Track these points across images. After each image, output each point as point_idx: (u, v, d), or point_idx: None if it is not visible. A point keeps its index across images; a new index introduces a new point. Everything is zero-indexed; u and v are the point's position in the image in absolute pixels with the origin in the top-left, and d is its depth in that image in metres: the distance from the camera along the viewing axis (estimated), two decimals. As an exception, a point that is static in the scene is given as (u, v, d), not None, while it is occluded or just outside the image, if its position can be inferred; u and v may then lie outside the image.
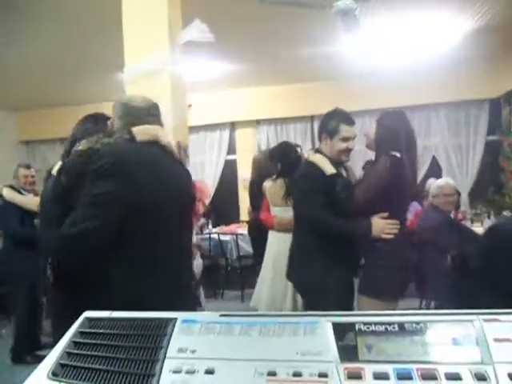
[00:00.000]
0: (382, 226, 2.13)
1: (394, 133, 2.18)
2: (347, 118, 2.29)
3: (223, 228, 6.07)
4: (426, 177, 6.07)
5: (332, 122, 2.28)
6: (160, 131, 1.60)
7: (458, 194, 3.81)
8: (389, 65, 5.52)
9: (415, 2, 3.83)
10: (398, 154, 2.14)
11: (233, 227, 6.09)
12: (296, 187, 2.46)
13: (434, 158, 6.47)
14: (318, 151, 2.36)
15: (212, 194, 6.88)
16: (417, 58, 5.33)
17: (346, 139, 2.26)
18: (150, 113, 1.62)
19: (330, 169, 2.21)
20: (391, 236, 2.12)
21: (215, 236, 5.58)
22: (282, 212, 3.35)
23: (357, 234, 2.21)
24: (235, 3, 3.70)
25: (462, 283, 3.00)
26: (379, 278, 2.13)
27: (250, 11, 3.85)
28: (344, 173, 2.39)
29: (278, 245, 3.33)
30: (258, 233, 4.51)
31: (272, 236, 3.52)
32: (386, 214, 2.14)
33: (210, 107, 6.42)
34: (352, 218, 2.20)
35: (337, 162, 2.31)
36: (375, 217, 2.15)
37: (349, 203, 2.14)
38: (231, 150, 7.18)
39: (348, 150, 2.29)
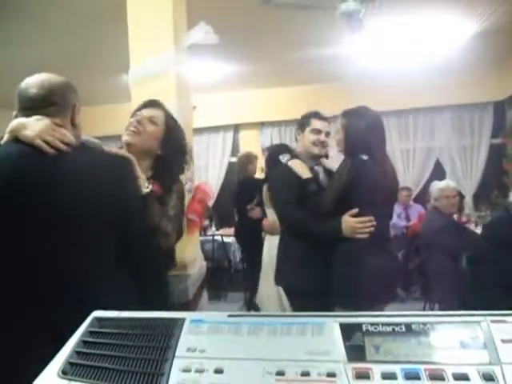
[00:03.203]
0: (352, 224, 2.06)
1: (360, 134, 2.16)
2: (319, 114, 2.42)
3: (226, 230, 6.08)
4: (430, 180, 6.08)
5: (304, 119, 2.43)
6: (24, 124, 1.25)
7: (462, 196, 3.82)
8: (393, 67, 5.52)
9: (420, 4, 3.83)
10: (364, 157, 2.12)
11: (236, 229, 6.09)
12: (271, 187, 2.56)
13: (437, 160, 6.47)
14: (294, 156, 2.43)
15: (215, 196, 6.89)
16: (421, 60, 5.33)
17: (316, 131, 2.35)
18: (47, 101, 1.31)
19: (305, 173, 2.25)
20: (366, 235, 2.04)
21: (218, 238, 5.59)
22: (272, 214, 3.40)
23: (327, 232, 2.16)
24: (240, 5, 3.72)
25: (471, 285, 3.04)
26: (347, 287, 2.02)
27: (255, 13, 3.87)
28: (321, 173, 2.40)
29: (268, 247, 3.39)
30: (246, 237, 4.53)
31: (265, 239, 3.56)
32: (355, 211, 2.06)
33: (213, 109, 6.43)
34: (324, 219, 2.17)
35: (314, 158, 2.38)
36: (345, 215, 2.09)
37: (319, 207, 2.16)
38: (235, 152, 7.19)
39: (320, 143, 2.35)
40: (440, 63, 5.43)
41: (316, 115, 2.41)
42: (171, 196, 1.59)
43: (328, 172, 2.44)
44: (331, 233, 2.13)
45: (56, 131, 1.26)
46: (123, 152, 1.50)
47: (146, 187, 1.50)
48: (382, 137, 2.25)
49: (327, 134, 2.39)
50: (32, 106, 1.30)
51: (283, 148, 3.58)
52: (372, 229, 2.06)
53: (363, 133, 2.15)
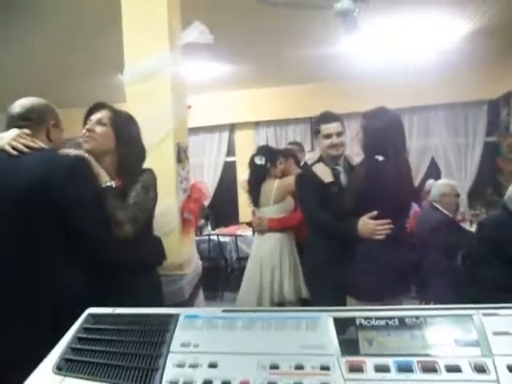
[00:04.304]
0: (371, 226, 2.14)
1: (377, 135, 2.20)
2: (326, 117, 2.48)
3: (222, 229, 6.08)
4: (425, 178, 6.10)
5: (315, 126, 2.55)
6: (1, 136, 1.51)
7: (458, 195, 3.82)
8: (388, 66, 5.54)
9: (414, 3, 3.85)
10: (380, 158, 2.16)
11: (232, 229, 6.10)
12: (298, 190, 2.65)
13: (432, 159, 6.50)
14: (320, 159, 2.54)
15: (211, 196, 6.89)
16: (416, 59, 5.35)
17: (328, 136, 2.43)
18: (24, 117, 1.57)
19: (327, 177, 2.34)
20: (382, 236, 2.12)
21: (214, 238, 5.59)
22: (260, 212, 3.38)
23: (344, 232, 2.25)
24: (234, 4, 3.72)
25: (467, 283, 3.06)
26: (362, 279, 2.11)
27: (250, 13, 3.87)
28: (342, 173, 2.47)
29: (255, 245, 3.37)
30: None
31: (254, 237, 3.53)
32: (375, 213, 2.13)
33: (209, 109, 6.43)
34: (345, 219, 2.24)
35: (334, 159, 2.46)
36: (364, 217, 2.16)
37: (340, 208, 2.22)
38: (230, 151, 7.19)
39: (333, 145, 2.42)
40: (434, 62, 5.45)
41: (323, 119, 2.47)
42: (134, 186, 1.67)
43: (352, 169, 2.50)
44: (348, 233, 2.21)
45: (23, 138, 1.49)
46: (79, 153, 1.61)
47: (105, 183, 1.61)
48: (400, 137, 2.28)
49: (339, 134, 2.44)
50: (11, 121, 1.57)
51: (262, 150, 3.54)
52: (389, 231, 2.12)
53: (379, 133, 2.19)
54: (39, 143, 1.54)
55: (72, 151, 1.60)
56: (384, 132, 2.20)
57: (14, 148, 1.45)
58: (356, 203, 2.18)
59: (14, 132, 1.50)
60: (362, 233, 2.16)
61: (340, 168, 2.49)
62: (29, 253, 1.40)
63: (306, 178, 2.52)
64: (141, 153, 1.83)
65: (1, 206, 1.40)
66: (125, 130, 1.76)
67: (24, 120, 1.56)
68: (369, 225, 2.15)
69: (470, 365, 0.64)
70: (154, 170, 1.82)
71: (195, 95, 5.51)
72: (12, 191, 1.39)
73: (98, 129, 1.72)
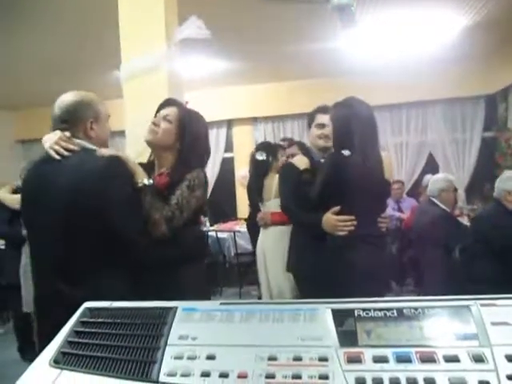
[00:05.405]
0: (333, 222, 2.08)
1: (343, 126, 2.13)
2: (323, 108, 2.45)
3: (221, 225, 6.08)
4: (423, 173, 6.11)
5: (310, 115, 2.52)
6: (47, 137, 1.58)
7: (455, 190, 3.83)
8: (385, 61, 5.53)
9: (411, -2, 3.84)
10: (346, 153, 2.09)
11: (230, 224, 6.10)
12: (278, 178, 2.72)
13: (430, 154, 6.50)
14: (303, 152, 2.57)
15: (209, 192, 6.88)
16: (413, 54, 5.34)
17: (320, 125, 2.42)
18: (61, 119, 1.60)
19: (302, 165, 2.35)
20: (344, 233, 2.06)
21: (213, 233, 5.59)
22: (265, 207, 3.40)
23: (310, 225, 2.24)
24: (232, 0, 3.70)
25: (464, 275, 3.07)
26: (327, 277, 2.04)
27: (247, 8, 3.85)
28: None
29: (261, 240, 3.40)
30: None
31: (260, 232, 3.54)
32: (337, 209, 2.09)
33: (206, 105, 6.36)
34: (314, 211, 2.21)
35: (322, 151, 2.43)
36: (328, 212, 2.11)
37: (309, 200, 2.20)
38: (228, 147, 7.18)
39: (324, 136, 2.40)
40: (432, 57, 5.45)
41: (321, 110, 2.45)
42: (181, 184, 1.65)
43: None
44: (313, 227, 2.18)
45: (64, 141, 1.54)
46: (113, 152, 1.59)
47: (141, 182, 1.58)
48: (370, 130, 2.16)
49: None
50: (53, 124, 1.63)
51: (262, 146, 3.61)
52: (352, 228, 2.06)
53: (347, 125, 2.11)
54: (80, 143, 1.57)
55: (107, 151, 1.57)
56: (351, 123, 2.11)
57: (56, 152, 1.52)
58: (322, 197, 2.13)
59: (56, 135, 1.56)
60: (325, 228, 2.11)
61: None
62: (71, 255, 1.45)
63: (287, 167, 2.54)
64: (201, 154, 1.83)
65: (46, 210, 1.48)
66: (188, 129, 1.76)
67: (63, 122, 1.60)
68: (331, 220, 2.09)
69: (469, 355, 0.64)
70: (204, 170, 1.81)
71: (192, 91, 5.48)
72: (54, 196, 1.46)
73: (163, 124, 1.75)
